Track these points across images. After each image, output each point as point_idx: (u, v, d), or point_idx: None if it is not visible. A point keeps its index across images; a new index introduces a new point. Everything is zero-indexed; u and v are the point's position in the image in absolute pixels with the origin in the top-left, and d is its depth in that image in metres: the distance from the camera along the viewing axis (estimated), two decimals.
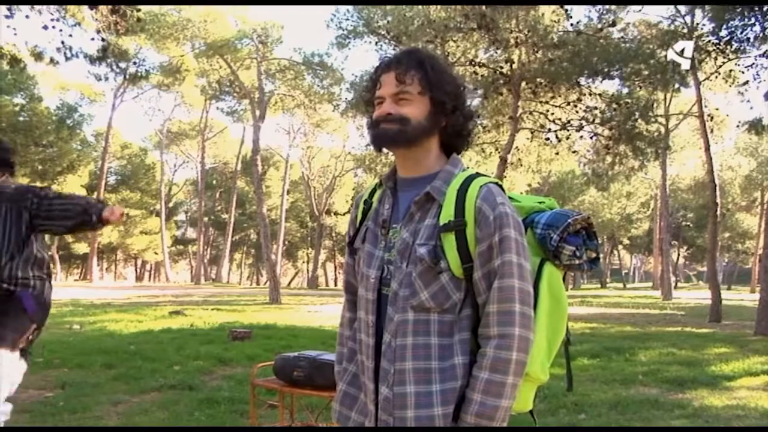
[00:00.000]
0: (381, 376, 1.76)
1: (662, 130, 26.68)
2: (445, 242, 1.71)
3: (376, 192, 1.94)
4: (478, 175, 1.79)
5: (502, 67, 21.15)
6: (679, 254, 60.33)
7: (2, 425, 3.74)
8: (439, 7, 21.07)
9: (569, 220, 1.90)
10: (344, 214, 51.00)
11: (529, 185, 41.39)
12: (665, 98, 29.61)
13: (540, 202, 2.01)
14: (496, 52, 21.63)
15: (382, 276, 1.80)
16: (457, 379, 1.70)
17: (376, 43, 23.39)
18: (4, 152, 3.99)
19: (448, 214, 1.72)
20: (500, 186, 1.79)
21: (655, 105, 25.26)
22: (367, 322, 1.81)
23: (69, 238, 51.77)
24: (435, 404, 1.69)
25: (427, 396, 1.70)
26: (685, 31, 21.20)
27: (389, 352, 1.75)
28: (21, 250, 3.74)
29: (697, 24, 21.48)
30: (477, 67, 21.19)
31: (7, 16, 12.48)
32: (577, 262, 1.91)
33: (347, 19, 24.13)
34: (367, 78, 1.97)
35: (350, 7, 23.72)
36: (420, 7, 21.83)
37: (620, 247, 64.89)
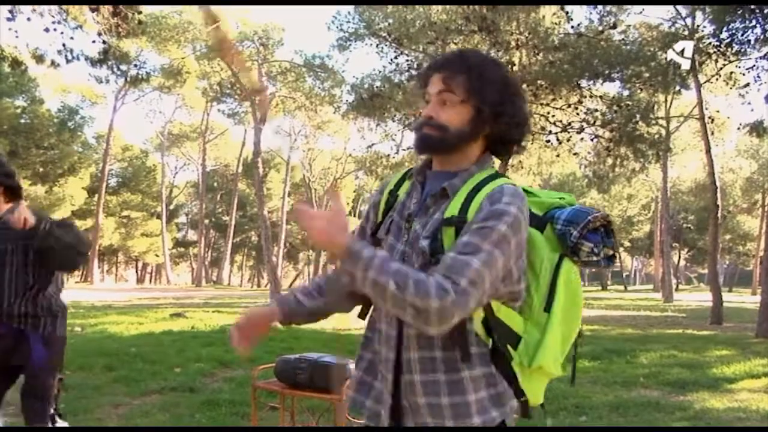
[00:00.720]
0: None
1: (663, 132, 26.65)
2: (445, 237, 1.72)
3: (404, 183, 1.95)
4: (497, 176, 1.82)
5: None
6: (680, 256, 60.30)
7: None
8: (440, 9, 21.10)
9: (589, 218, 1.89)
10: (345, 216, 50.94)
11: (530, 187, 41.32)
12: (666, 100, 29.59)
13: (560, 198, 2.01)
14: (497, 55, 21.61)
15: None
16: (460, 371, 1.75)
17: (377, 45, 23.42)
18: (10, 178, 3.91)
19: (453, 209, 1.74)
20: (518, 188, 1.78)
21: (655, 107, 25.26)
22: (388, 334, 1.83)
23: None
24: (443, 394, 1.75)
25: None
26: (686, 33, 21.24)
27: (409, 342, 1.78)
28: (30, 288, 3.70)
29: (698, 26, 21.53)
30: None
31: (8, 19, 12.51)
32: (594, 258, 1.92)
33: (348, 22, 24.19)
34: (412, 77, 1.96)
35: (351, 10, 23.79)
36: (421, 9, 21.86)
37: (621, 249, 64.83)
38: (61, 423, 3.91)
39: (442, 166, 1.86)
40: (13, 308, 3.65)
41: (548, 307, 1.82)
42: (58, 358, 3.86)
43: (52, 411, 3.82)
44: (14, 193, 3.84)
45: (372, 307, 1.94)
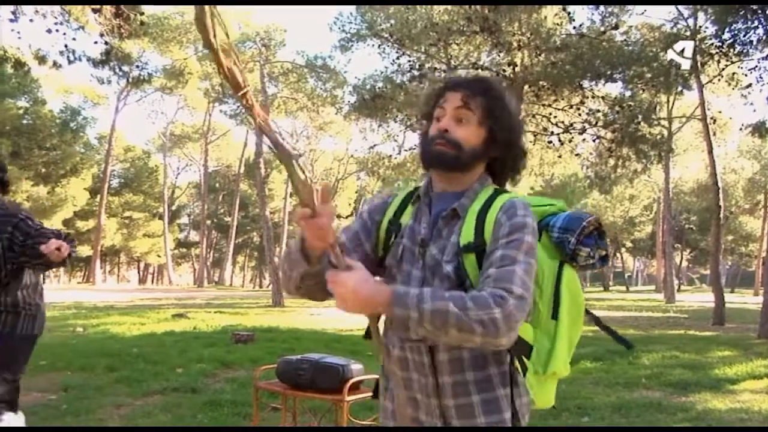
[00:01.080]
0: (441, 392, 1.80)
1: (665, 133, 26.67)
2: (466, 262, 1.74)
3: (406, 209, 1.92)
4: (500, 192, 1.85)
5: (504, 70, 21.14)
6: (682, 257, 60.24)
7: None
8: (441, 10, 21.10)
9: (584, 224, 1.93)
10: (347, 217, 51.01)
11: (532, 188, 41.28)
12: (668, 101, 29.59)
13: (551, 205, 2.05)
14: (499, 55, 21.64)
15: None
16: (495, 389, 1.78)
17: (379, 46, 23.44)
18: (2, 171, 3.84)
19: (468, 234, 1.76)
20: (525, 200, 1.81)
21: (658, 108, 25.26)
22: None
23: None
24: (477, 415, 1.77)
25: (468, 407, 1.77)
26: (688, 33, 21.20)
27: (442, 367, 1.79)
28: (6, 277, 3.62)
29: (700, 27, 21.48)
30: (480, 70, 21.17)
31: (11, 20, 12.52)
32: (591, 261, 1.95)
33: (350, 22, 24.20)
34: (428, 92, 1.96)
35: (353, 10, 23.79)
36: (423, 10, 21.86)
37: (623, 250, 64.76)
38: (7, 418, 3.76)
39: (447, 185, 1.86)
40: None
41: (555, 315, 1.86)
42: (10, 356, 3.74)
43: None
44: (2, 187, 3.82)
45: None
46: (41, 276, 3.94)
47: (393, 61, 22.70)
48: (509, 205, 1.75)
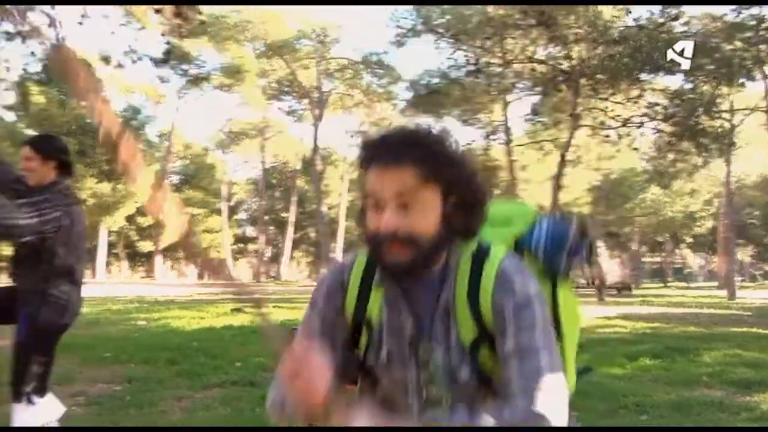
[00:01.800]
0: None
1: (727, 125, 26.04)
2: (480, 357, 1.51)
3: (371, 296, 1.59)
4: (480, 254, 1.53)
5: (561, 64, 20.94)
6: (745, 253, 58.75)
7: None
8: None
9: (570, 239, 1.70)
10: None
11: (589, 183, 40.76)
12: (730, 93, 28.86)
13: (521, 216, 1.78)
14: (555, 49, 21.44)
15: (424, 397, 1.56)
16: None
17: (435, 41, 23.42)
18: (64, 153, 3.92)
19: (467, 330, 1.50)
20: (514, 259, 1.53)
21: (719, 100, 24.70)
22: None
23: (134, 236, 52.99)
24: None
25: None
26: (753, 23, 20.67)
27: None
28: (29, 258, 3.74)
29: (764, 15, 20.92)
30: (536, 64, 21.00)
31: (79, 23, 12.89)
32: (584, 265, 1.76)
33: (406, 18, 24.23)
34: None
35: (409, 6, 23.82)
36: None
37: (683, 245, 63.49)
38: (39, 401, 3.81)
39: None
40: (18, 279, 3.81)
41: (559, 336, 1.67)
42: (37, 340, 3.82)
43: (28, 390, 3.76)
44: (65, 169, 3.92)
45: None
46: (77, 264, 4.01)
47: (448, 56, 22.69)
48: (502, 279, 1.47)
